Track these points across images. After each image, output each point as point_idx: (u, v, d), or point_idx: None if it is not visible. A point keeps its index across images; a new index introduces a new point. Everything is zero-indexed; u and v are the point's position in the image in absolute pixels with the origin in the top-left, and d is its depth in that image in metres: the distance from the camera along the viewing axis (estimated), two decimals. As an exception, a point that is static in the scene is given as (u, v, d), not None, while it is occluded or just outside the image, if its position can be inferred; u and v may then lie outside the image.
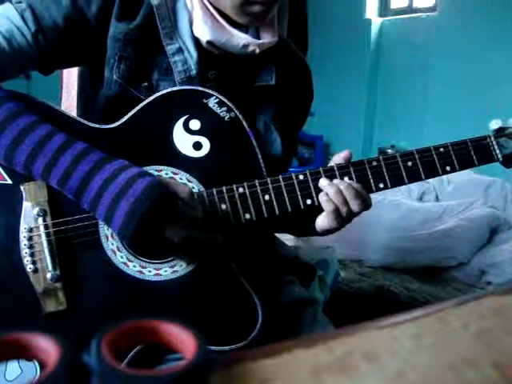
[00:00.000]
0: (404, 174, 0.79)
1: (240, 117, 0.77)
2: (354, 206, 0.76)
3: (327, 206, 0.76)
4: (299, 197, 0.77)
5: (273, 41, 0.86)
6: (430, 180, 2.23)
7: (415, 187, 2.24)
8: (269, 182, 0.76)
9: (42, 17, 0.76)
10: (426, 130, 3.72)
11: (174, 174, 0.75)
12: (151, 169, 0.74)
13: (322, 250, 1.33)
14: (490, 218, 1.88)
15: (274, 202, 0.76)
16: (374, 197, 0.80)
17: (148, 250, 0.71)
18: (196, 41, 0.82)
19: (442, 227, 1.86)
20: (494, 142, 0.83)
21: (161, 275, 0.73)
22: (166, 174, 0.75)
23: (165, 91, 0.76)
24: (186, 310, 0.74)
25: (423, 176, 0.80)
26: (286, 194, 0.76)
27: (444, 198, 2.20)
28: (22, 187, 0.71)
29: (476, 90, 3.37)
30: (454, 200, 2.07)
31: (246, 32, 0.83)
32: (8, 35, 0.74)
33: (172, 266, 0.74)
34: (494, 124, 0.84)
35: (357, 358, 0.27)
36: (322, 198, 0.76)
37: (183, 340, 0.27)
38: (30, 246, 0.70)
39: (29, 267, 0.70)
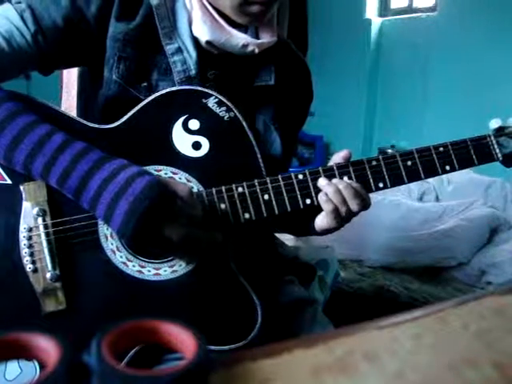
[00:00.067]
0: (404, 174, 0.79)
1: (239, 117, 0.77)
2: (353, 205, 0.76)
3: (326, 206, 0.76)
4: (298, 196, 0.77)
5: (272, 41, 0.86)
6: (430, 180, 2.24)
7: (415, 187, 2.24)
8: (268, 181, 0.76)
9: (42, 17, 0.76)
10: (426, 129, 3.72)
11: (174, 173, 0.75)
12: (150, 169, 0.74)
13: (321, 250, 1.33)
14: (490, 218, 1.88)
15: (274, 202, 0.76)
16: (374, 197, 0.80)
17: (147, 249, 0.71)
18: (195, 41, 0.82)
19: (441, 227, 1.86)
20: (494, 142, 0.82)
21: (160, 275, 0.73)
22: (166, 173, 0.75)
23: (164, 91, 0.76)
24: (186, 310, 0.74)
25: (423, 175, 0.80)
26: (285, 194, 0.76)
27: (444, 198, 2.20)
28: (21, 187, 0.71)
29: (476, 89, 3.37)
30: (454, 200, 2.07)
31: (245, 32, 0.83)
32: (8, 35, 0.74)
33: (171, 266, 0.74)
34: (494, 123, 0.84)
35: (357, 358, 0.27)
36: (321, 197, 0.76)
37: (183, 340, 0.26)
38: (30, 246, 0.70)
39: (28, 267, 0.70)
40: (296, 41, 0.99)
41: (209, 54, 0.84)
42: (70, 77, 1.02)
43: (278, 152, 0.91)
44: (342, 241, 1.70)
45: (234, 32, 0.81)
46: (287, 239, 1.26)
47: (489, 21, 3.33)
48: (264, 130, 0.90)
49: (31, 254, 0.70)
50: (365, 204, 0.78)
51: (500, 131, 0.83)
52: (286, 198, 0.76)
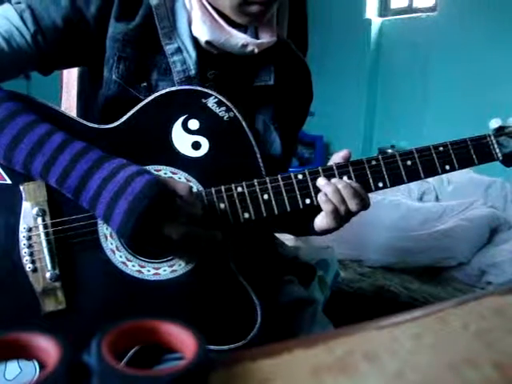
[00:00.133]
0: (403, 173, 0.79)
1: (239, 116, 0.77)
2: (352, 205, 0.76)
3: (326, 206, 0.76)
4: (298, 196, 0.77)
5: (271, 40, 0.86)
6: (430, 180, 2.23)
7: (415, 187, 2.23)
8: (267, 181, 0.76)
9: (41, 17, 0.76)
10: (426, 129, 3.72)
11: (173, 173, 0.75)
12: (150, 168, 0.74)
13: (321, 250, 1.33)
14: (490, 218, 1.88)
15: (273, 202, 0.76)
16: (374, 197, 0.80)
17: (147, 248, 0.71)
18: (195, 41, 0.82)
19: (442, 227, 1.86)
20: (494, 141, 0.82)
21: (160, 275, 0.73)
22: (165, 173, 0.75)
23: (164, 91, 0.76)
24: (185, 310, 0.74)
25: (422, 175, 0.80)
26: (284, 194, 0.76)
27: (444, 198, 2.20)
28: (21, 187, 0.71)
29: (476, 89, 3.37)
30: (454, 200, 2.07)
31: (245, 32, 0.83)
32: (7, 36, 0.74)
33: (171, 266, 0.74)
34: (494, 123, 0.84)
35: (357, 358, 0.27)
36: (320, 197, 0.76)
37: (183, 340, 0.26)
38: (30, 246, 0.70)
39: (28, 266, 0.70)
40: (296, 41, 0.99)
41: (208, 54, 0.84)
42: (70, 77, 1.02)
43: (277, 152, 0.90)
44: (341, 241, 1.70)
45: (234, 32, 0.81)
46: (287, 239, 1.26)
47: (489, 21, 3.33)
48: (264, 130, 0.90)
49: (31, 254, 0.70)
50: (364, 204, 0.78)
51: (500, 131, 0.83)
52: (286, 198, 0.76)
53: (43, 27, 0.76)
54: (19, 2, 0.76)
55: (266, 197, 0.76)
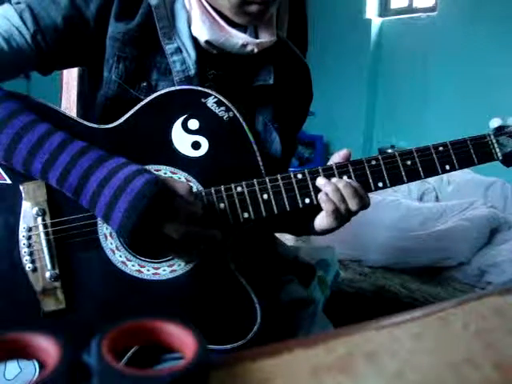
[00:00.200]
0: (403, 173, 0.79)
1: (239, 116, 0.77)
2: (353, 204, 0.76)
3: (326, 206, 0.76)
4: (298, 196, 0.77)
5: (271, 40, 0.86)
6: (430, 180, 2.23)
7: (415, 187, 2.23)
8: (267, 181, 0.76)
9: (41, 17, 0.76)
10: (426, 129, 3.72)
11: (173, 173, 0.75)
12: (150, 168, 0.74)
13: (321, 250, 1.33)
14: (490, 218, 1.87)
15: (273, 201, 0.76)
16: (374, 197, 0.80)
17: (147, 248, 0.71)
18: (194, 41, 0.82)
19: (441, 227, 1.85)
20: (494, 141, 0.82)
21: (159, 274, 0.73)
22: (165, 173, 0.75)
23: (163, 91, 0.76)
24: (185, 309, 0.74)
25: (422, 175, 0.80)
26: (284, 193, 0.76)
27: (444, 198, 2.20)
28: (21, 187, 0.71)
29: (476, 89, 3.37)
30: (454, 200, 2.07)
31: (245, 32, 0.83)
32: (7, 35, 0.74)
33: (170, 266, 0.74)
34: (494, 122, 0.84)
35: (357, 358, 0.27)
36: (321, 197, 0.76)
37: (183, 339, 0.26)
38: (29, 246, 0.70)
39: (28, 266, 0.70)
40: (296, 41, 0.99)
41: (208, 54, 0.83)
42: (70, 77, 1.02)
43: (277, 152, 0.90)
44: (341, 241, 1.70)
45: (233, 32, 0.81)
46: (287, 239, 1.27)
47: (488, 21, 3.33)
48: (264, 130, 0.90)
49: (31, 254, 0.70)
50: (364, 203, 0.78)
51: (500, 130, 0.83)
52: (285, 198, 0.76)
53: (43, 27, 0.76)
54: (19, 2, 0.76)
55: (265, 196, 0.76)
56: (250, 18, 0.79)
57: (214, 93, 0.76)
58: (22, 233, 0.70)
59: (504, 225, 1.91)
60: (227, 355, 0.28)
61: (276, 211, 0.76)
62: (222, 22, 0.80)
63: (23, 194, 0.71)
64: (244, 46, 0.82)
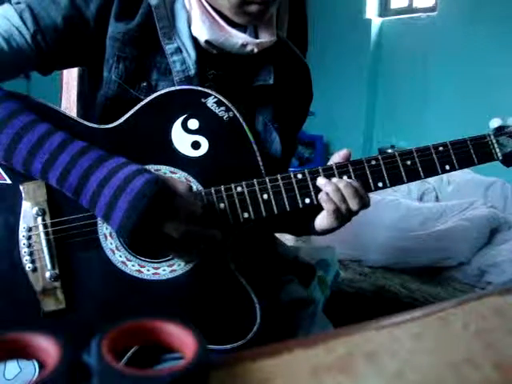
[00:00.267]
0: (403, 173, 0.79)
1: (239, 116, 0.77)
2: (353, 204, 0.76)
3: (327, 206, 0.76)
4: (298, 196, 0.77)
5: (271, 40, 0.86)
6: (430, 180, 2.23)
7: (415, 187, 2.23)
8: (267, 181, 0.76)
9: (41, 17, 0.76)
10: (427, 129, 3.72)
11: (173, 173, 0.75)
12: (150, 168, 0.74)
13: (322, 250, 1.33)
14: (490, 218, 1.87)
15: (273, 201, 0.76)
16: (374, 197, 0.80)
17: (147, 247, 0.71)
18: (194, 41, 0.82)
19: (441, 227, 1.85)
20: (494, 141, 0.82)
21: (159, 274, 0.73)
22: (165, 173, 0.75)
23: (163, 91, 0.76)
24: (185, 309, 0.74)
25: (422, 175, 0.80)
26: (284, 193, 0.76)
27: (444, 198, 2.20)
28: (21, 187, 0.71)
29: (476, 89, 3.37)
30: (454, 200, 2.07)
31: (245, 31, 0.83)
32: (7, 35, 0.74)
33: (170, 266, 0.74)
34: (494, 122, 0.84)
35: (357, 358, 0.27)
36: (321, 197, 0.76)
37: (183, 339, 0.26)
38: (29, 246, 0.70)
39: (28, 266, 0.70)
40: (296, 41, 0.99)
41: (208, 54, 0.83)
42: (70, 77, 1.02)
43: (277, 152, 0.90)
44: (342, 241, 1.70)
45: (233, 31, 0.81)
46: (287, 239, 1.26)
47: (489, 21, 3.33)
48: (264, 130, 0.90)
49: (30, 254, 0.70)
50: (364, 203, 0.78)
51: (500, 130, 0.83)
52: (285, 198, 0.76)
53: (43, 27, 0.76)
54: (19, 2, 0.76)
55: (265, 196, 0.76)
56: (249, 17, 0.79)
57: (213, 93, 0.76)
58: (22, 233, 0.70)
59: (504, 225, 1.91)
60: (227, 355, 0.28)
61: (276, 211, 0.76)
62: (221, 22, 0.80)
63: (23, 194, 0.71)
64: (244, 45, 0.82)
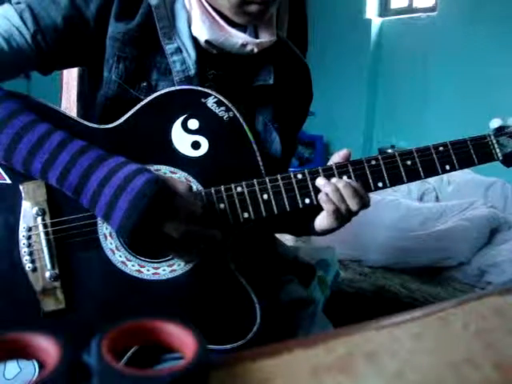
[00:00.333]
0: (403, 173, 0.79)
1: (239, 116, 0.77)
2: (353, 204, 0.76)
3: (327, 206, 0.76)
4: (298, 196, 0.77)
5: (271, 40, 0.86)
6: (430, 180, 2.23)
7: (415, 187, 2.23)
8: (267, 181, 0.76)
9: (41, 17, 0.76)
10: (427, 130, 3.71)
11: (173, 173, 0.75)
12: (149, 168, 0.74)
13: (322, 250, 1.33)
14: (490, 218, 1.87)
15: (273, 202, 0.76)
16: (374, 197, 0.80)
17: (146, 247, 0.71)
18: (195, 41, 0.82)
19: (441, 227, 1.85)
20: (494, 141, 0.82)
21: (159, 274, 0.73)
22: (164, 173, 0.75)
23: (163, 91, 0.76)
24: (185, 309, 0.74)
25: (422, 175, 0.80)
26: (284, 193, 0.76)
27: (444, 198, 2.20)
28: (21, 187, 0.71)
29: (476, 89, 3.37)
30: (454, 200, 2.07)
31: (245, 31, 0.83)
32: (7, 35, 0.74)
33: (170, 266, 0.74)
34: (494, 123, 0.84)
35: (357, 358, 0.27)
36: (321, 197, 0.76)
37: (183, 339, 0.26)
38: (29, 245, 0.70)
39: (27, 266, 0.70)
40: (296, 41, 0.99)
41: (208, 54, 0.83)
42: (70, 77, 1.02)
43: (277, 152, 0.90)
44: (342, 241, 1.70)
45: (233, 31, 0.81)
46: (287, 239, 1.27)
47: (489, 21, 3.33)
48: (264, 130, 0.90)
49: (30, 254, 0.70)
50: (364, 203, 0.78)
51: (500, 131, 0.83)
52: (285, 198, 0.76)
53: (43, 27, 0.76)
54: (19, 2, 0.76)
55: (265, 196, 0.76)
56: (249, 17, 0.79)
57: (213, 93, 0.76)
58: (22, 233, 0.70)
59: (504, 225, 1.91)
60: (227, 355, 0.28)
61: (276, 211, 0.76)
62: (221, 22, 0.80)
63: (23, 194, 0.71)
64: (244, 45, 0.82)
